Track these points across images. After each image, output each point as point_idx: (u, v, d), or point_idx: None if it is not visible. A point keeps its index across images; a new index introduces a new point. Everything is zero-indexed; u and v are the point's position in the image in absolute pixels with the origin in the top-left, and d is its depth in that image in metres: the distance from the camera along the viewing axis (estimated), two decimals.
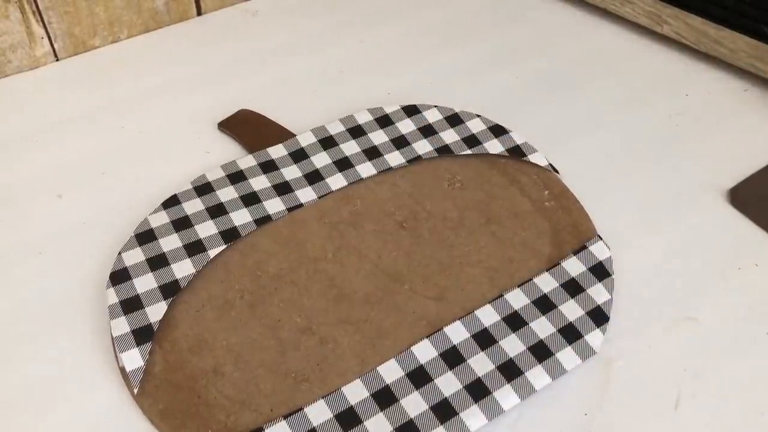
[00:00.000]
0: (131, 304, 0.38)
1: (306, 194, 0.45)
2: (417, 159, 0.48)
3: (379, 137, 0.49)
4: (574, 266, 0.42)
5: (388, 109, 0.51)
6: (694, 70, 0.57)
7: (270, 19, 0.62)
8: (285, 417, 0.34)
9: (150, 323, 0.37)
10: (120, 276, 0.40)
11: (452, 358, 0.37)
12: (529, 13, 0.63)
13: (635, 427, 0.36)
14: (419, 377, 0.36)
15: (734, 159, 0.48)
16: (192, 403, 0.35)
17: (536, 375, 0.37)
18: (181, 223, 0.43)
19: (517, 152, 0.48)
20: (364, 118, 0.50)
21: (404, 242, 0.42)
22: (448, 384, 0.36)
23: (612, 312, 0.40)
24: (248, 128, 0.50)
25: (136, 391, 0.35)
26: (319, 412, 0.35)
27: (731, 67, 0.56)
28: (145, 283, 0.39)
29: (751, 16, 0.53)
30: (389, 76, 0.56)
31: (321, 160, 0.47)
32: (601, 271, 0.41)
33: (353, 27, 0.61)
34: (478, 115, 0.51)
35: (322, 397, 0.35)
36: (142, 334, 0.37)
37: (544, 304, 0.40)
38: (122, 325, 0.37)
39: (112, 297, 0.39)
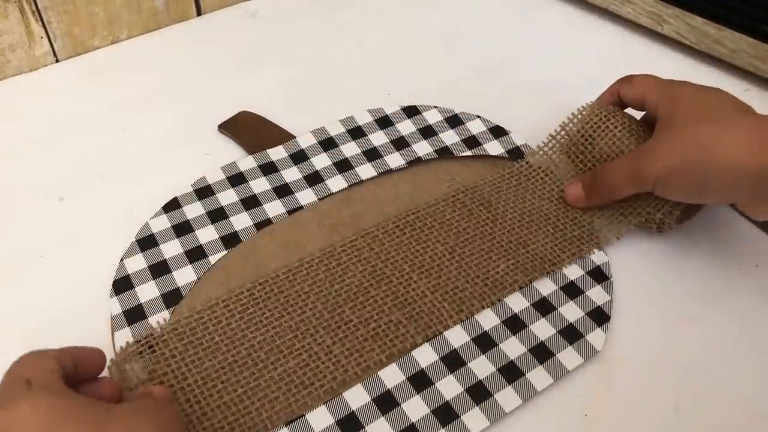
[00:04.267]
0: (134, 315, 0.38)
1: (306, 196, 0.45)
2: (417, 160, 0.48)
3: (379, 138, 0.49)
4: (572, 271, 0.42)
5: (388, 110, 0.51)
6: (695, 70, 0.57)
7: (270, 19, 0.62)
8: (287, 424, 0.34)
9: (153, 335, 0.37)
10: (122, 285, 0.40)
11: (453, 361, 0.37)
12: (529, 13, 0.63)
13: (635, 428, 0.36)
14: (420, 381, 0.36)
15: None
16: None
17: (537, 376, 0.37)
18: (182, 228, 0.43)
19: (517, 153, 0.48)
20: (364, 119, 0.50)
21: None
22: (449, 387, 0.36)
23: (612, 313, 0.40)
24: (248, 130, 0.50)
25: None
26: (320, 418, 0.35)
27: (732, 68, 0.56)
28: (147, 292, 0.39)
29: (753, 16, 0.53)
30: (389, 76, 0.56)
31: (321, 161, 0.47)
32: (599, 275, 0.41)
33: (353, 27, 0.61)
34: (478, 116, 0.51)
35: (324, 403, 0.35)
36: (146, 346, 0.37)
37: (544, 307, 0.40)
38: (126, 337, 0.37)
39: (116, 307, 0.39)
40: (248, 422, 0.34)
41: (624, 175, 0.41)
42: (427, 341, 0.38)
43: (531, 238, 0.43)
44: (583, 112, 0.45)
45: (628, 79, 0.44)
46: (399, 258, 0.41)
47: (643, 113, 0.45)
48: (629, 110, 0.45)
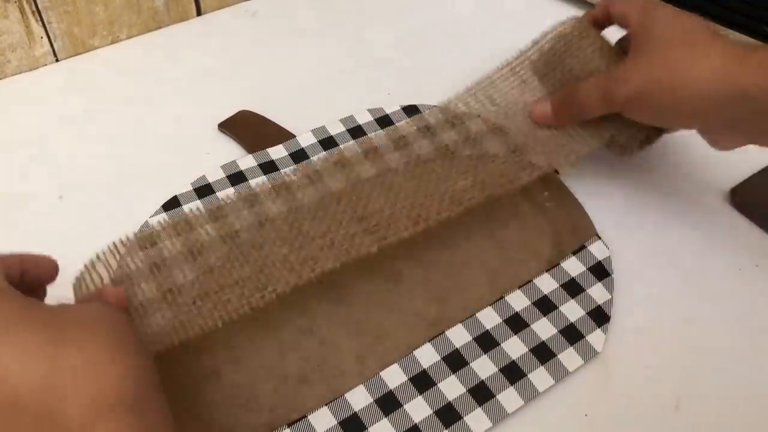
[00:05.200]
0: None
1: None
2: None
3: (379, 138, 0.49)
4: (573, 266, 0.42)
5: (388, 110, 0.51)
6: None
7: (270, 19, 0.62)
8: (289, 425, 0.35)
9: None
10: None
11: (455, 361, 0.37)
12: (529, 13, 0.63)
13: (635, 428, 0.36)
14: (422, 382, 0.36)
15: (735, 159, 0.48)
16: (192, 406, 0.35)
17: (539, 377, 0.37)
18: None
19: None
20: (364, 118, 0.50)
21: (404, 244, 0.42)
22: (451, 388, 0.36)
23: (612, 312, 0.40)
24: (248, 129, 0.50)
25: None
26: (322, 419, 0.35)
27: None
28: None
29: (753, 16, 0.53)
30: (389, 76, 0.56)
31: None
32: (600, 271, 0.41)
33: (353, 27, 0.61)
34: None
35: (326, 404, 0.35)
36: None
37: (545, 305, 0.40)
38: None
39: None
40: (199, 320, 0.34)
41: (595, 95, 0.41)
42: (428, 341, 0.38)
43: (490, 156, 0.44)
44: (557, 29, 0.46)
45: None
46: (362, 181, 0.42)
47: (617, 39, 0.45)
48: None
